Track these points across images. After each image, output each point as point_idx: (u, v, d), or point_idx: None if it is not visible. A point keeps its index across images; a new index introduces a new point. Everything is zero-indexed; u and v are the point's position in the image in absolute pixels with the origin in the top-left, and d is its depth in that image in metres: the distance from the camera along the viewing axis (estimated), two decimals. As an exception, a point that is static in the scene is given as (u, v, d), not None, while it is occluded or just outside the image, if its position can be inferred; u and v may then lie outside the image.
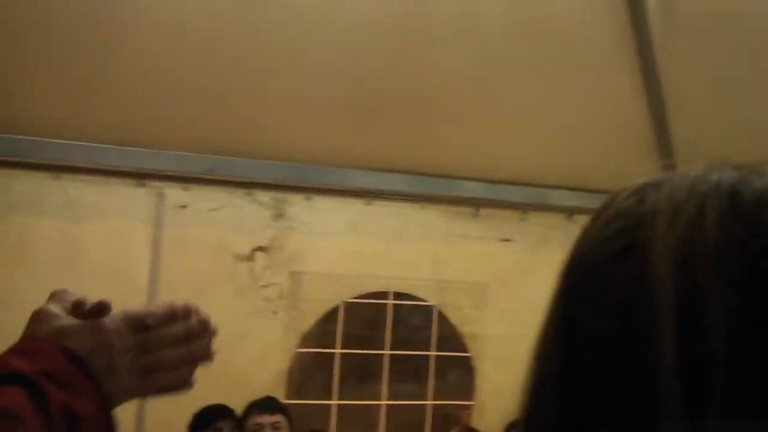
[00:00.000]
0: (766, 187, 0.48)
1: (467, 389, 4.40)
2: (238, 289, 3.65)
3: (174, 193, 3.67)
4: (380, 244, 3.97)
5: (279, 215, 3.78)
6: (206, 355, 1.07)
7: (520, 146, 3.94)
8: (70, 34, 3.29)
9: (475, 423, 4.27)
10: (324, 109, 3.62)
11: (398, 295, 4.27)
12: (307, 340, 4.06)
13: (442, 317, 4.26)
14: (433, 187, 4.00)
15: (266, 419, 3.45)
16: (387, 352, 4.35)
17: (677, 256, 0.46)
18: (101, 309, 1.00)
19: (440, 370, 4.56)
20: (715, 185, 0.49)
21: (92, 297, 3.38)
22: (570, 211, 4.22)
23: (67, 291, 0.98)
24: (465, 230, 4.09)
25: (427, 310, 4.38)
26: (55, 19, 3.23)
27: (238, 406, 3.51)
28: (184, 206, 3.66)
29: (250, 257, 3.73)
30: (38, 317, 0.96)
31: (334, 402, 4.22)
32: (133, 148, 3.57)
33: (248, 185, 3.74)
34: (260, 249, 3.75)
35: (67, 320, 0.97)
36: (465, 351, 4.27)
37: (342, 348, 4.25)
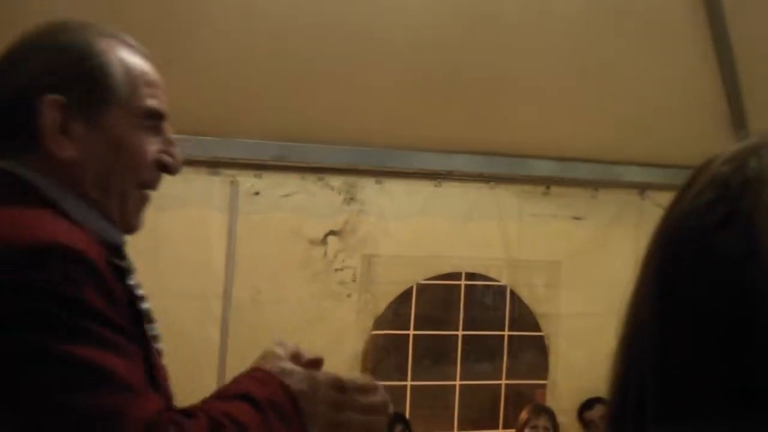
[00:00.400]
0: None
1: (540, 368, 4.40)
2: (312, 273, 3.70)
3: (247, 180, 3.72)
4: (451, 225, 3.98)
5: (350, 199, 3.81)
6: (380, 430, 1.26)
7: (590, 123, 3.90)
8: (143, 21, 3.36)
9: (548, 401, 4.26)
10: (392, 92, 3.63)
11: (470, 276, 4.28)
12: (380, 322, 4.10)
13: (515, 297, 4.25)
14: (503, 167, 3.98)
15: None
16: (460, 332, 4.37)
17: None
18: (316, 362, 1.28)
19: (513, 349, 4.57)
20: None
21: (172, 283, 3.48)
22: (642, 188, 4.17)
23: (289, 343, 1.25)
24: (536, 209, 4.07)
25: (500, 290, 4.38)
26: (127, 5, 3.29)
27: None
28: (257, 193, 3.72)
29: (323, 241, 3.77)
30: (266, 355, 1.24)
31: (408, 383, 4.26)
32: (206, 137, 3.63)
33: (320, 170, 3.77)
34: (333, 233, 3.79)
35: (289, 364, 1.21)
36: (538, 330, 4.26)
37: (415, 329, 4.28)
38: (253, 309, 3.67)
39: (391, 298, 4.00)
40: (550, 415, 4.10)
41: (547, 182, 4.08)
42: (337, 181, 3.81)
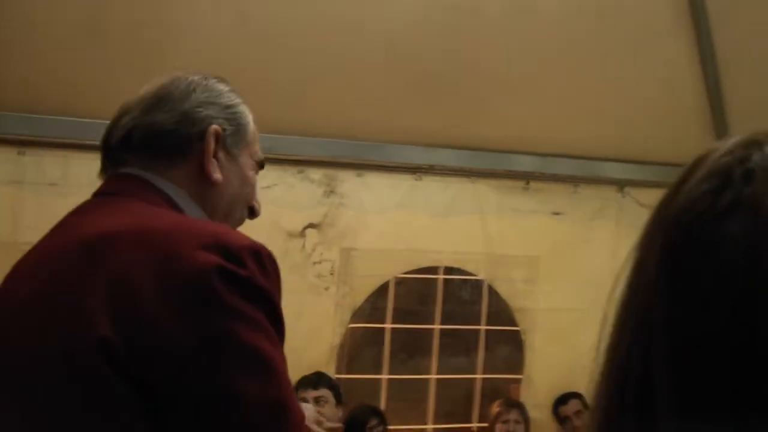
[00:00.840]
0: None
1: (516, 363, 4.41)
2: (290, 266, 3.69)
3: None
4: (431, 219, 3.98)
5: (330, 192, 3.81)
6: None
7: (571, 119, 3.91)
8: (127, 21, 3.33)
9: (523, 396, 4.27)
10: (374, 85, 3.62)
11: (449, 270, 4.28)
12: (358, 315, 4.09)
13: (493, 291, 4.26)
14: (484, 161, 3.99)
15: (311, 394, 3.51)
16: (437, 326, 4.37)
17: None
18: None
19: (490, 344, 4.58)
20: None
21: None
22: (622, 184, 4.19)
23: (308, 406, 1.38)
24: (516, 204, 4.08)
25: (478, 284, 4.39)
26: (115, 9, 3.27)
27: (292, 380, 3.56)
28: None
29: (301, 234, 3.76)
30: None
31: (384, 376, 4.26)
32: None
33: (300, 162, 3.76)
34: (312, 226, 3.78)
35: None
36: (515, 325, 4.27)
37: (392, 323, 4.28)
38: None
39: (369, 291, 4.00)
40: (522, 409, 4.12)
41: (527, 177, 4.08)
42: (317, 173, 3.80)
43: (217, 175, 1.34)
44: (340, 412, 3.60)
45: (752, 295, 0.46)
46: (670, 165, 4.15)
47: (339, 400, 3.59)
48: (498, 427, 4.07)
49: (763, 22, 3.49)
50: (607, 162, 4.11)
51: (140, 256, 1.09)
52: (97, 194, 1.32)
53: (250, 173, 1.44)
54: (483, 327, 4.36)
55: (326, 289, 3.82)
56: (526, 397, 4.25)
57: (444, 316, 4.39)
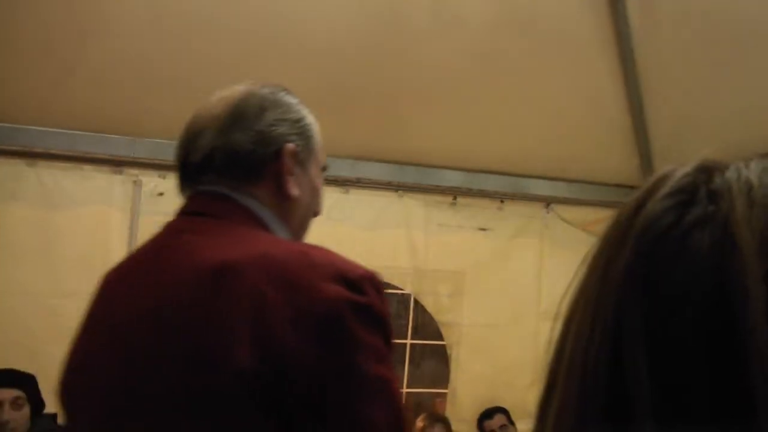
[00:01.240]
0: None
1: (441, 377, 4.42)
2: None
3: (151, 180, 3.66)
4: (358, 231, 3.97)
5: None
6: None
7: (498, 136, 3.95)
8: (47, 19, 3.26)
9: (448, 410, 4.28)
10: (302, 97, 3.60)
11: (375, 284, 4.27)
12: (283, 328, 4.05)
13: (419, 305, 4.27)
14: (412, 176, 4.00)
15: None
16: (363, 340, 4.35)
17: (760, 232, 0.50)
18: None
19: (415, 358, 4.58)
20: None
21: (66, 282, 3.37)
22: (547, 201, 4.24)
23: None
24: (443, 219, 4.10)
25: (404, 298, 4.39)
26: (31, 3, 3.19)
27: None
28: (161, 194, 3.65)
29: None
30: None
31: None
32: (109, 135, 3.55)
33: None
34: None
35: None
36: (440, 339, 4.28)
37: (319, 336, 4.23)
38: (152, 311, 3.59)
39: (294, 304, 3.95)
40: (446, 423, 4.12)
41: (454, 193, 4.11)
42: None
43: (296, 192, 1.39)
44: None
45: (724, 299, 0.49)
46: (595, 183, 4.23)
47: None
48: (422, 441, 4.07)
49: (685, 40, 3.58)
50: (532, 179, 4.17)
51: (268, 288, 1.12)
52: (187, 213, 1.35)
53: (318, 181, 1.49)
54: (408, 341, 4.36)
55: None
56: (451, 411, 4.26)
57: (370, 330, 4.37)
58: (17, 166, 3.51)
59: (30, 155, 3.51)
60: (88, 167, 3.60)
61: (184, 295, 1.17)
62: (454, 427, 4.15)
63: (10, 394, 3.28)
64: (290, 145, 1.39)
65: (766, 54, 3.39)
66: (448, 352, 4.26)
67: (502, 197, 4.18)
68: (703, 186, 0.54)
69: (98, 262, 3.55)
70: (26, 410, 3.31)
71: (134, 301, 1.24)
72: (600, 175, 4.18)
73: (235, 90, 1.45)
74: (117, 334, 1.24)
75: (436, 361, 4.84)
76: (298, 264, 1.17)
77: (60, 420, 3.39)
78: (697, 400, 0.49)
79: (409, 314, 4.31)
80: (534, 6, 3.56)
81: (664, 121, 3.92)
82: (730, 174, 0.54)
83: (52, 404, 3.31)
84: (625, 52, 3.72)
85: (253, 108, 1.40)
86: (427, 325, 4.39)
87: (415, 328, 4.37)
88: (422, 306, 4.24)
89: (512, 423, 4.06)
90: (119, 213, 3.62)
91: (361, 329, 1.13)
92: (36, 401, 3.32)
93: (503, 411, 4.06)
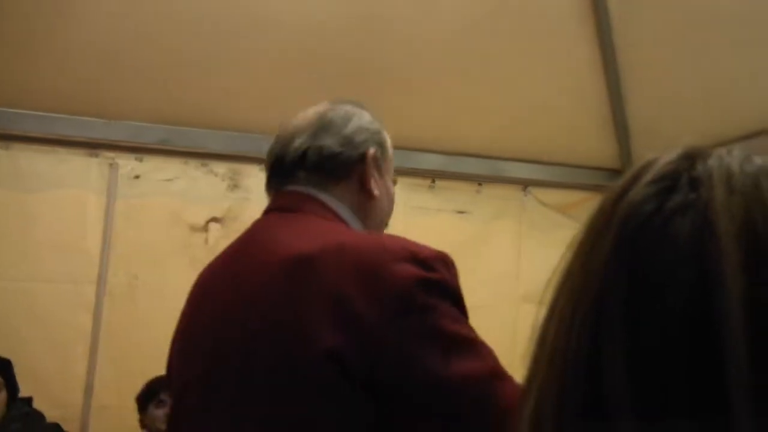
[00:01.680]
0: None
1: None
2: (192, 259, 3.62)
3: (127, 163, 3.63)
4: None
5: (234, 186, 3.75)
6: None
7: (476, 119, 3.95)
8: (21, 1, 3.22)
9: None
10: (280, 80, 3.59)
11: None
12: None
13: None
14: (390, 159, 3.99)
15: None
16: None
17: (740, 219, 0.51)
18: None
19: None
20: (764, 166, 0.55)
21: (42, 266, 3.34)
22: (525, 184, 4.25)
23: None
24: (421, 202, 4.09)
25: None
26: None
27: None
28: (137, 177, 3.62)
29: (204, 228, 3.70)
30: None
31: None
32: (85, 118, 3.52)
33: (204, 156, 3.70)
34: (215, 220, 3.72)
35: None
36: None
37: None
38: (128, 295, 3.58)
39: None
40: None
41: (433, 176, 4.11)
42: (221, 167, 3.74)
43: (376, 191, 1.56)
44: None
45: (703, 285, 0.50)
46: (573, 166, 4.24)
47: None
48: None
49: (664, 26, 3.59)
50: (510, 162, 4.17)
51: (346, 274, 1.25)
52: (276, 209, 1.52)
53: (392, 190, 1.66)
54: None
55: (228, 284, 3.75)
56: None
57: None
58: (-9, 148, 3.48)
59: (5, 138, 3.47)
60: (63, 150, 3.56)
61: (270, 285, 1.31)
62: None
63: None
64: (372, 150, 1.57)
65: (745, 37, 3.40)
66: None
67: (480, 180, 4.18)
68: (685, 173, 0.55)
69: (74, 245, 3.54)
70: (3, 395, 3.28)
71: (227, 292, 1.40)
72: (578, 158, 4.19)
73: (321, 104, 1.62)
74: (214, 322, 1.39)
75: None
76: (373, 250, 1.30)
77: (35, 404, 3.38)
78: (676, 388, 0.50)
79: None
80: (513, -11, 3.56)
81: (643, 105, 3.93)
82: (712, 161, 0.55)
83: (28, 388, 3.30)
84: (604, 35, 3.72)
85: (340, 117, 1.58)
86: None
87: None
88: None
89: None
90: (95, 196, 3.59)
91: (434, 300, 1.25)
92: (12, 385, 3.30)
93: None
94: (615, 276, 0.53)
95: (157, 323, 3.47)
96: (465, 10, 3.58)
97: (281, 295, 1.28)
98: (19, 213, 3.49)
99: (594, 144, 4.12)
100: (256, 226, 1.51)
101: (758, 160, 0.55)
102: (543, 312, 0.59)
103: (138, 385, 3.41)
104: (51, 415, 3.34)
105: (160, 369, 3.33)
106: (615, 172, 4.15)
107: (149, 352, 3.30)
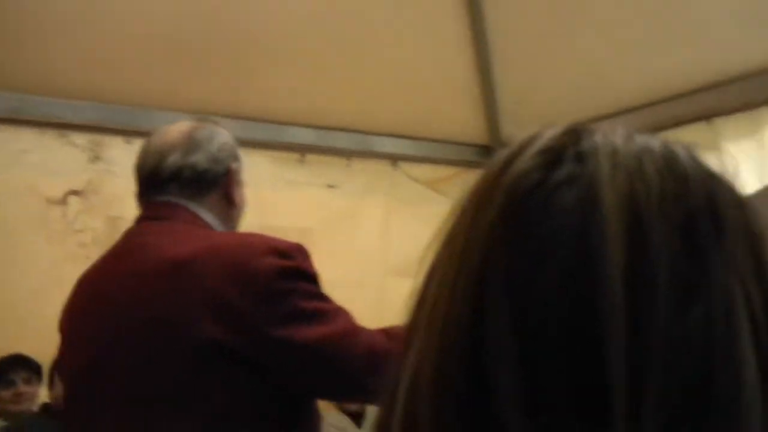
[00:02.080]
0: (693, 152, 0.57)
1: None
2: (50, 234, 3.47)
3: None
4: (203, 189, 3.88)
5: (96, 158, 3.61)
6: None
7: (346, 93, 3.94)
8: None
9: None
10: (145, 49, 3.47)
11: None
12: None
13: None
14: (259, 133, 3.92)
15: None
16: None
17: (623, 193, 0.52)
18: None
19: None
20: (646, 144, 0.56)
21: None
22: (395, 159, 4.28)
23: None
24: (291, 176, 4.06)
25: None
26: None
27: (48, 354, 3.35)
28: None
29: (63, 201, 3.55)
30: None
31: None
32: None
33: (61, 126, 3.54)
34: (74, 193, 3.57)
35: None
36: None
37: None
38: (-19, 271, 3.40)
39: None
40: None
41: (302, 150, 4.07)
42: (81, 138, 3.59)
43: (238, 199, 1.83)
44: None
45: (585, 257, 0.50)
46: (442, 141, 4.30)
47: None
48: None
49: (535, 8, 3.67)
50: (380, 136, 4.18)
51: (220, 271, 1.51)
52: (149, 218, 1.74)
53: (244, 193, 1.90)
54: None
55: (88, 258, 3.61)
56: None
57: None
58: None
59: None
60: None
61: (150, 286, 1.55)
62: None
63: None
64: (234, 165, 1.82)
65: (612, 24, 3.52)
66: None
67: (350, 155, 4.17)
68: (571, 147, 0.56)
69: None
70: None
71: (113, 291, 1.61)
72: (448, 134, 4.25)
73: (183, 123, 1.86)
74: (102, 319, 1.61)
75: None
76: (240, 249, 1.58)
77: None
78: (556, 360, 0.49)
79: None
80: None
81: (512, 85, 4.01)
82: (597, 137, 0.57)
83: None
84: (474, 9, 3.77)
85: (204, 136, 1.81)
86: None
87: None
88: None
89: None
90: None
91: (292, 284, 1.54)
92: None
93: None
94: (498, 244, 0.53)
95: (13, 299, 3.34)
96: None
97: (163, 294, 1.52)
98: None
99: (463, 119, 4.18)
100: (132, 232, 1.74)
101: (640, 139, 0.57)
102: (419, 282, 0.58)
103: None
104: None
105: (20, 346, 3.22)
106: (484, 148, 4.23)
107: (8, 328, 3.18)
